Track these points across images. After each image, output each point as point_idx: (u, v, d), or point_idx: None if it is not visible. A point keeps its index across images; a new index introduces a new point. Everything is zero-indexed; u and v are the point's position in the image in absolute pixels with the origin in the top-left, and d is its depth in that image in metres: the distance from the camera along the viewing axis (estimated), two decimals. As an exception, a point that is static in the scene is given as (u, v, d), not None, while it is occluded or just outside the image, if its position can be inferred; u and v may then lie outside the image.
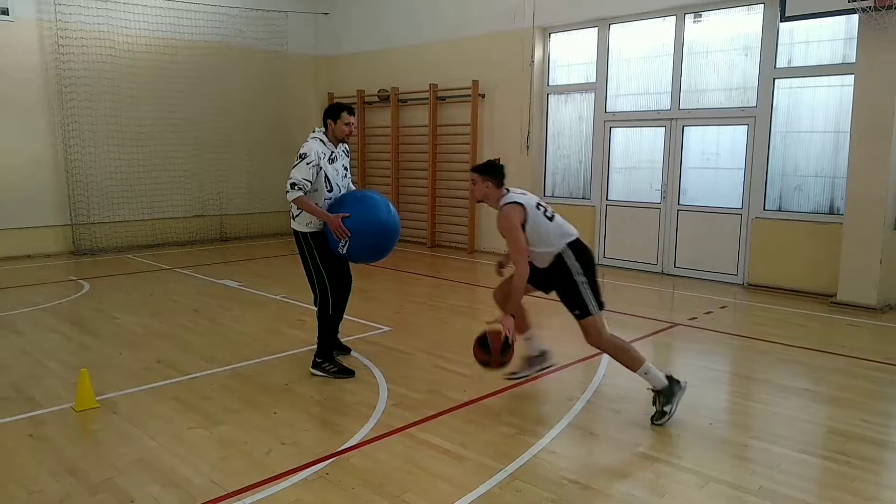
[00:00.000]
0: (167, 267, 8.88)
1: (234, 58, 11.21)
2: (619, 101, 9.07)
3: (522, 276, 3.87)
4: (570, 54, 9.56)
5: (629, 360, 3.85)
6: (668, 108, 8.51)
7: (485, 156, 10.15)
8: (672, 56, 8.42)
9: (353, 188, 4.80)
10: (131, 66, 10.07)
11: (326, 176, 4.45)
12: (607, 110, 9.11)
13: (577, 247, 3.96)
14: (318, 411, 4.00)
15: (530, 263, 3.93)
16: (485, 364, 4.03)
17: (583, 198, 9.50)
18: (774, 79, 7.65)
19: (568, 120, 9.66)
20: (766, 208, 7.81)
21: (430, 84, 10.49)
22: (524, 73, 9.59)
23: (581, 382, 4.54)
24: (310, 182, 4.37)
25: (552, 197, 9.80)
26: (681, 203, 8.51)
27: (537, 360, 4.45)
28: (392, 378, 4.53)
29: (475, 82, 9.98)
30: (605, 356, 5.05)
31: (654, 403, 3.85)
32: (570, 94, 9.58)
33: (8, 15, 7.75)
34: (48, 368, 4.75)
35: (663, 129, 8.58)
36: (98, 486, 3.08)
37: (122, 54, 9.96)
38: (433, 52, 10.71)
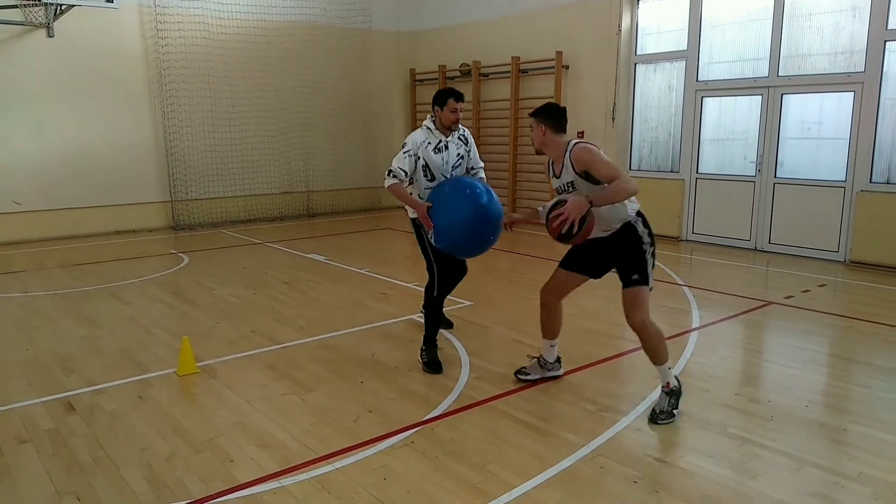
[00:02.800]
0: (258, 241, 9.28)
1: (320, 36, 11.43)
2: (711, 69, 8.65)
3: (629, 189, 3.38)
4: (659, 21, 9.18)
5: (660, 350, 3.54)
6: (766, 75, 8.04)
7: (569, 128, 9.91)
8: (771, 20, 7.92)
9: (482, 175, 4.53)
10: (224, 48, 10.47)
11: (427, 165, 4.22)
12: (699, 79, 8.71)
13: (644, 218, 3.70)
14: (403, 382, 4.10)
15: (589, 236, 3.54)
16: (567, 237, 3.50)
17: (671, 171, 9.17)
18: (886, 41, 7.07)
19: (656, 90, 9.31)
20: (873, 181, 7.28)
21: (513, 57, 10.35)
22: (610, 43, 9.29)
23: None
24: (405, 171, 4.14)
25: (638, 171, 9.50)
26: (777, 176, 8.07)
27: (550, 367, 4.09)
28: (473, 352, 4.58)
29: (559, 53, 9.76)
30: (694, 334, 4.92)
31: (661, 403, 3.56)
32: (659, 62, 9.22)
33: (112, 2, 8.21)
34: (154, 335, 5.09)
35: (760, 97, 8.13)
36: (201, 446, 3.29)
37: (216, 37, 10.37)
38: (515, 24, 10.54)
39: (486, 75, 11.06)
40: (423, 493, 2.84)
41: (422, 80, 12.34)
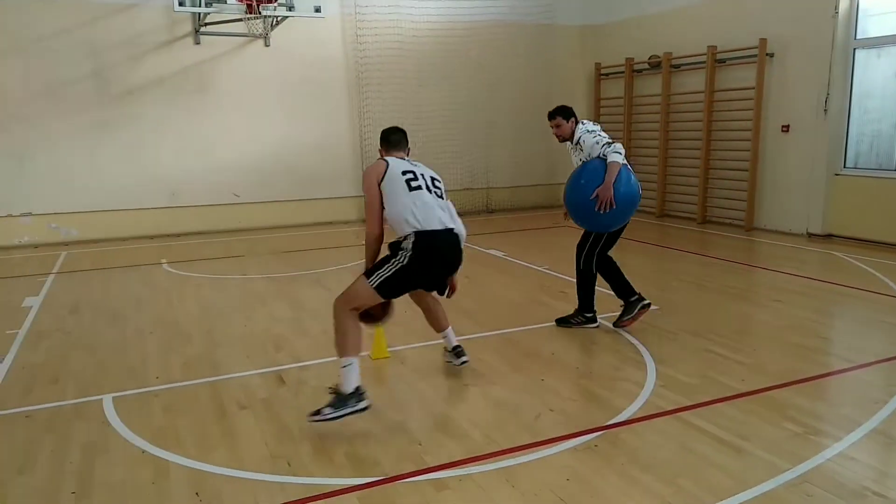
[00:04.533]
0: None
1: (503, 34, 11.57)
2: (953, 50, 7.47)
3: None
4: (885, 1, 8.09)
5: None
6: None
7: (770, 122, 9.16)
8: None
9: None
10: (415, 51, 10.99)
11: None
12: (936, 63, 7.56)
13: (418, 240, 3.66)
14: (584, 383, 4.04)
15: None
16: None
17: (895, 169, 8.07)
18: None
19: (880, 78, 8.22)
20: None
21: (709, 46, 9.70)
22: (825, 27, 8.36)
23: (888, 384, 3.92)
24: None
25: (854, 168, 8.47)
26: None
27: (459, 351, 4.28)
28: (660, 358, 4.38)
29: (762, 41, 8.98)
30: (924, 357, 4.31)
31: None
32: (884, 46, 8.12)
33: (320, 12, 8.97)
34: (349, 320, 5.49)
35: None
36: (393, 427, 3.51)
37: (408, 41, 10.91)
38: (712, 10, 9.87)
39: (677, 67, 10.50)
40: (607, 499, 2.78)
41: (607, 75, 12.01)
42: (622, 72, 11.44)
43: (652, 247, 8.54)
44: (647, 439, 3.28)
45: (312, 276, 7.07)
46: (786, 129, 8.99)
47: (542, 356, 4.52)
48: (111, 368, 4.46)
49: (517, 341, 4.86)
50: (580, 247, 5.01)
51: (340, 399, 3.42)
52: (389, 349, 4.63)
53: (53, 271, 7.60)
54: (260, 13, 8.49)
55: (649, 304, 5.00)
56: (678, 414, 3.56)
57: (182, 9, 8.42)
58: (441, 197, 3.79)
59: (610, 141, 4.76)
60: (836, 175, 8.54)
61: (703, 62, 9.85)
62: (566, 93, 12.35)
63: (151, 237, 9.74)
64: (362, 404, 3.44)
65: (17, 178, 9.09)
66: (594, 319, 5.10)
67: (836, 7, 8.22)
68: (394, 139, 3.98)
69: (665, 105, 10.64)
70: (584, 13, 12.29)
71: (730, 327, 5.07)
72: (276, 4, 8.49)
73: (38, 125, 9.09)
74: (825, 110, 8.47)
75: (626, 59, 11.28)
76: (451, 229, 3.72)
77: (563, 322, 5.16)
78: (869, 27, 8.28)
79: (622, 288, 4.99)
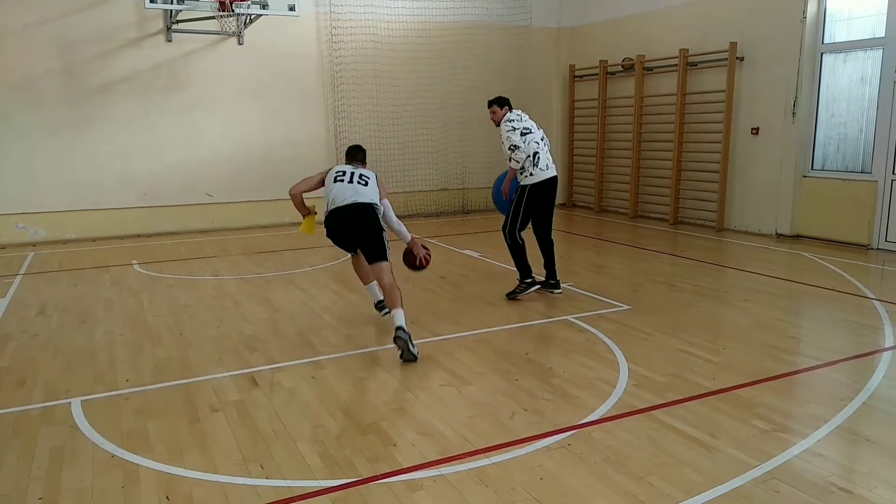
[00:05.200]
0: (416, 236, 9.59)
1: (480, 35, 11.61)
2: (916, 56, 7.66)
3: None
4: (851, 6, 8.28)
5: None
6: None
7: (740, 125, 9.32)
8: None
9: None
10: (391, 50, 10.97)
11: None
12: (899, 68, 7.75)
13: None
14: (557, 382, 4.07)
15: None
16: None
17: (861, 171, 8.26)
18: None
19: (846, 82, 8.42)
20: None
21: (681, 49, 9.85)
22: (793, 31, 8.53)
23: (854, 382, 4.01)
24: None
25: (822, 170, 8.66)
26: None
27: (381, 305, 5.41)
28: (632, 358, 4.44)
29: (733, 44, 9.13)
30: (887, 354, 4.43)
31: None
32: (850, 51, 8.32)
33: (294, 11, 8.89)
34: (324, 320, 5.47)
35: (978, 87, 7.07)
36: (367, 428, 3.49)
37: (384, 40, 10.89)
38: (684, 14, 10.01)
39: (650, 69, 10.63)
40: (579, 497, 2.81)
41: (581, 77, 12.12)
42: (596, 74, 11.55)
43: (625, 247, 8.63)
44: (619, 438, 3.32)
45: (286, 277, 7.02)
46: (755, 131, 9.15)
47: (517, 356, 4.55)
48: (80, 371, 4.38)
49: (491, 341, 4.87)
50: (502, 227, 6.04)
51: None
52: (362, 350, 4.62)
53: (20, 272, 7.43)
54: (233, 11, 8.39)
55: (540, 285, 6.04)
56: (650, 412, 3.60)
57: (153, 5, 8.26)
58: (365, 185, 5.03)
59: (515, 146, 5.70)
60: (804, 177, 8.73)
61: (676, 65, 9.99)
62: (541, 94, 12.44)
63: (122, 237, 9.57)
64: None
65: (-19, 176, 8.88)
66: (535, 283, 6.02)
67: (804, 12, 8.40)
68: (348, 152, 5.48)
69: (638, 107, 10.77)
70: (560, 15, 12.38)
71: (701, 327, 5.15)
72: (249, 2, 8.38)
73: (6, 121, 8.88)
74: (794, 114, 8.65)
75: (601, 61, 11.39)
76: (355, 203, 4.95)
77: (511, 295, 6.00)
78: (836, 32, 8.47)
79: (522, 268, 6.00)
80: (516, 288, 6.01)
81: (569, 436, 3.35)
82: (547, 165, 5.82)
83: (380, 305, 5.49)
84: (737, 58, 9.18)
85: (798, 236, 8.78)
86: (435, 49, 11.31)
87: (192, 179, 10.01)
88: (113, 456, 3.23)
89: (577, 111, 12.30)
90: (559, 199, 12.70)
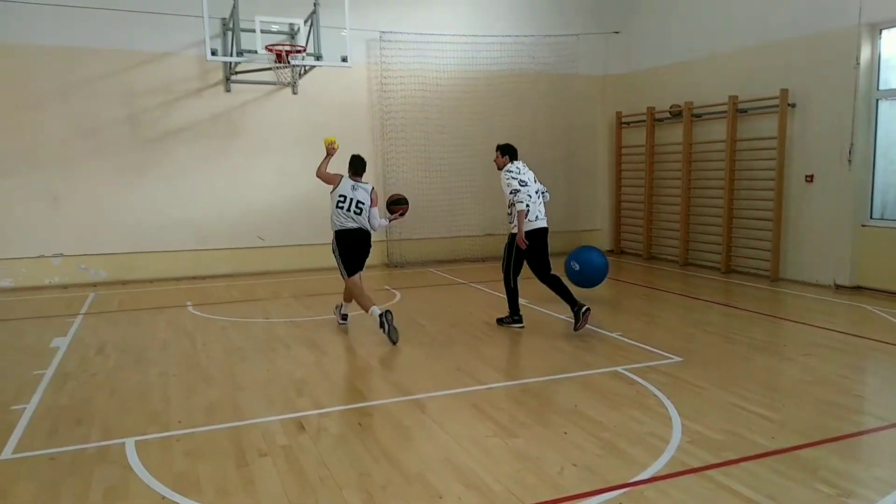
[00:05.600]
0: (463, 281, 9.65)
1: (526, 83, 11.78)
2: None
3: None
4: (908, 52, 8.13)
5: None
6: None
7: (794, 172, 9.13)
8: None
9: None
10: (438, 98, 11.22)
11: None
12: (962, 115, 7.52)
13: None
14: (607, 437, 3.97)
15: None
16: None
17: (923, 220, 7.96)
18: None
19: (905, 128, 8.20)
20: None
21: (730, 96, 9.78)
22: (846, 78, 8.39)
23: (925, 445, 3.80)
24: None
25: (881, 219, 8.37)
26: None
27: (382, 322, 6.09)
28: (685, 413, 4.30)
29: (784, 91, 9.03)
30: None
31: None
32: (908, 98, 8.12)
33: (346, 62, 9.21)
34: (371, 365, 5.49)
35: None
36: (412, 478, 3.46)
37: (431, 88, 11.16)
38: (733, 61, 9.97)
39: (698, 115, 10.57)
40: (633, 560, 2.71)
41: (628, 123, 12.12)
42: (643, 120, 11.54)
43: (676, 296, 8.46)
44: (674, 498, 3.20)
45: (334, 321, 7.10)
46: (810, 178, 8.95)
47: (565, 408, 4.46)
48: (134, 411, 4.49)
49: (539, 392, 4.81)
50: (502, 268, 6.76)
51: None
52: (409, 397, 4.61)
53: (81, 312, 7.72)
54: (289, 63, 8.75)
55: (513, 323, 6.72)
56: (705, 472, 3.47)
57: (214, 58, 8.73)
58: (359, 214, 6.48)
59: (517, 189, 6.40)
60: (863, 226, 8.45)
61: (725, 112, 9.91)
62: (587, 140, 12.50)
63: (178, 279, 9.88)
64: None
65: (50, 219, 9.34)
66: (520, 322, 6.71)
67: (858, 58, 8.27)
68: (351, 164, 6.72)
69: (687, 154, 10.68)
70: (606, 63, 12.49)
71: (757, 381, 4.98)
72: (304, 54, 8.75)
73: (73, 168, 9.38)
74: (849, 160, 8.44)
75: (648, 107, 11.39)
76: (357, 229, 6.52)
77: (500, 322, 6.80)
78: (891, 78, 8.30)
79: (512, 307, 6.72)
80: (505, 318, 6.79)
81: (620, 494, 3.25)
82: (536, 217, 6.44)
83: (382, 321, 6.09)
84: (788, 104, 9.06)
85: (859, 287, 8.46)
86: (481, 96, 11.52)
87: (245, 223, 10.32)
88: (164, 498, 3.27)
89: (625, 157, 12.27)
90: (606, 244, 12.63)
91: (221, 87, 10.11)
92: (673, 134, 11.09)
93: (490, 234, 11.86)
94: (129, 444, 3.92)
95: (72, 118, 9.36)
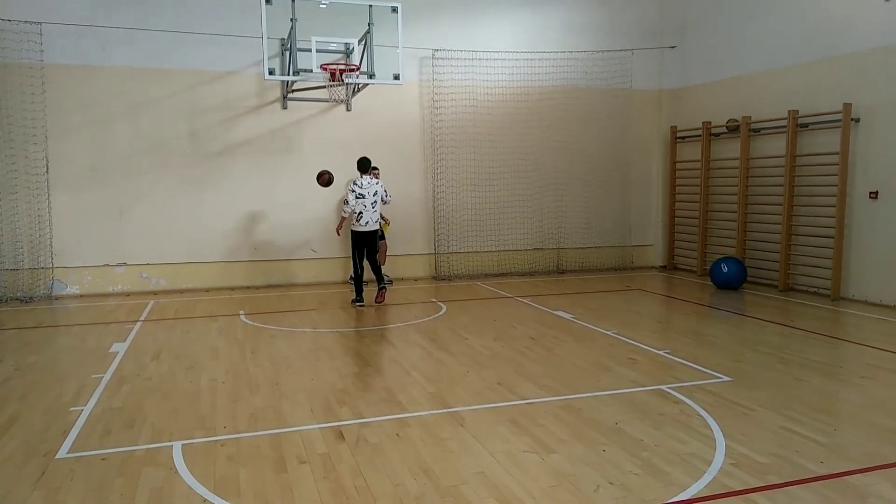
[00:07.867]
0: (509, 295, 9.62)
1: (579, 98, 11.73)
2: None
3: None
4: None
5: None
6: None
7: (857, 189, 8.77)
8: None
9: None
10: (489, 114, 11.29)
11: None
12: None
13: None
14: (647, 456, 3.89)
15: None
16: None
17: None
18: None
19: (978, 143, 7.78)
20: None
21: (789, 110, 9.49)
22: (914, 91, 8.03)
23: None
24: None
25: (952, 238, 7.93)
26: None
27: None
28: (731, 434, 4.17)
29: (847, 105, 8.70)
30: None
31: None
32: (982, 110, 7.71)
33: (398, 79, 9.39)
34: (412, 377, 5.54)
35: None
36: (446, 491, 3.47)
37: (482, 104, 11.24)
38: (793, 75, 9.68)
39: (756, 130, 10.29)
40: (664, 583, 2.64)
41: (683, 138, 11.90)
42: (699, 135, 11.31)
43: (729, 314, 8.22)
44: (711, 521, 3.12)
45: (379, 332, 7.20)
46: (874, 195, 8.57)
47: (606, 425, 4.40)
48: (183, 416, 4.66)
49: (580, 408, 4.75)
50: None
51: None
52: (448, 409, 4.63)
53: (141, 319, 8.07)
54: (343, 81, 8.98)
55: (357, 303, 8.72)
56: (747, 495, 3.36)
57: (272, 77, 9.05)
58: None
59: (346, 200, 8.61)
60: (933, 244, 8.03)
61: (784, 127, 9.62)
62: (641, 155, 12.33)
63: (232, 289, 10.20)
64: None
65: (116, 229, 9.81)
66: (361, 301, 8.74)
67: (927, 71, 7.91)
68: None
69: (744, 169, 10.40)
70: (661, 78, 12.33)
71: (810, 404, 4.78)
72: (357, 73, 8.96)
73: (137, 181, 9.85)
74: (918, 176, 8.05)
75: (704, 122, 11.16)
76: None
77: (352, 303, 8.85)
78: (965, 91, 7.90)
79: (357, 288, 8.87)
80: (354, 299, 8.86)
81: (656, 514, 3.18)
82: (367, 223, 8.56)
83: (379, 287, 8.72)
84: (852, 119, 8.72)
85: (927, 309, 8.03)
86: (532, 112, 11.53)
87: (299, 236, 10.59)
88: (205, 501, 3.38)
89: (679, 172, 12.03)
90: (658, 260, 12.41)
91: (279, 105, 10.45)
92: (729, 149, 10.82)
93: (539, 249, 11.81)
94: (177, 447, 4.07)
95: (138, 134, 9.84)
